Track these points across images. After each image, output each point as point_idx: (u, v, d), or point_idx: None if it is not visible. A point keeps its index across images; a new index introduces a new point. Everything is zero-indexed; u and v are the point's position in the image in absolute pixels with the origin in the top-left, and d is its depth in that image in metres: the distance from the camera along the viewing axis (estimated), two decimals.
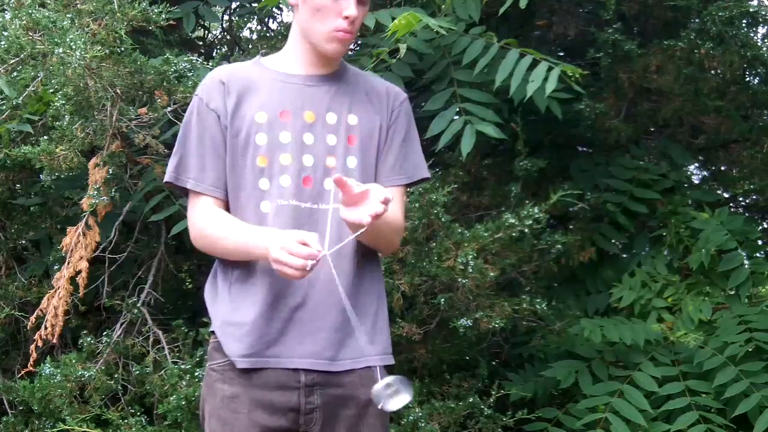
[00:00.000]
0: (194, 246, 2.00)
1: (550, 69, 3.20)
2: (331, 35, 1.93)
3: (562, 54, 4.56)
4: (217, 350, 1.94)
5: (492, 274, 3.24)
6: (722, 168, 4.78)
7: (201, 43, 4.30)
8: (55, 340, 3.12)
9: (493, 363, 3.88)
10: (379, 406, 1.76)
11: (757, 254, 3.96)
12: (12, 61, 3.16)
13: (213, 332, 1.96)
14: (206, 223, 1.95)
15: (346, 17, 1.91)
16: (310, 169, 1.92)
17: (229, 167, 1.94)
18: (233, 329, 1.91)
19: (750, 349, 3.40)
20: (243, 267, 1.93)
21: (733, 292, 3.87)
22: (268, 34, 4.16)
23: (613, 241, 4.15)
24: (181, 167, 1.96)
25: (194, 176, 1.95)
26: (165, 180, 2.00)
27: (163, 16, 3.04)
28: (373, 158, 2.00)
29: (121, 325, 3.34)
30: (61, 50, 2.87)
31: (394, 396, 1.76)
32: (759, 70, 4.46)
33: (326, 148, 1.94)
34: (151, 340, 3.30)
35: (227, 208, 1.96)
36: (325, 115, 1.97)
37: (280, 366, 1.89)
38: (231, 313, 1.92)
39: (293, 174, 1.91)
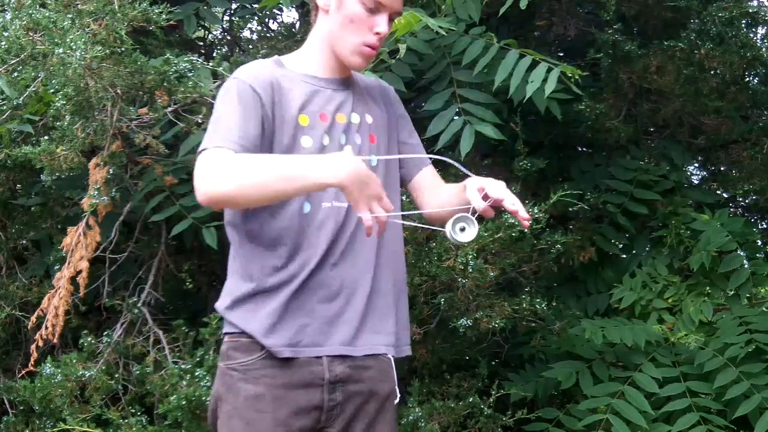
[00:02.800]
0: (208, 201, 1.76)
1: (549, 70, 3.20)
2: (358, 48, 1.95)
3: (561, 54, 4.56)
4: (236, 350, 1.92)
5: (492, 274, 3.24)
6: (722, 168, 4.79)
7: (201, 43, 4.30)
8: (55, 340, 3.12)
9: (493, 363, 3.88)
10: (450, 237, 1.87)
11: (758, 255, 3.96)
12: (12, 62, 3.16)
13: (228, 333, 1.95)
14: (231, 159, 1.76)
15: (377, 33, 1.93)
16: None
17: None
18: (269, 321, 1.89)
19: (750, 350, 3.40)
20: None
21: (732, 293, 3.87)
22: (268, 35, 4.16)
23: (613, 241, 4.15)
24: (216, 135, 1.83)
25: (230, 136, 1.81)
26: (200, 149, 1.83)
27: (164, 16, 3.05)
28: (389, 152, 2.06)
29: (122, 325, 3.34)
30: (61, 50, 2.87)
31: (463, 231, 1.89)
32: (759, 71, 4.46)
33: (356, 149, 1.97)
34: (151, 340, 3.30)
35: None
36: (350, 117, 1.99)
37: (313, 355, 1.89)
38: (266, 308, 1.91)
39: None
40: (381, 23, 1.93)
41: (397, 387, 1.98)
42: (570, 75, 3.23)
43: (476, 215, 1.90)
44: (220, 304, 1.97)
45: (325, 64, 2.01)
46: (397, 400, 1.94)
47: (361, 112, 2.02)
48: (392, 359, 1.96)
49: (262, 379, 1.88)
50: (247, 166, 1.75)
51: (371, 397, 1.94)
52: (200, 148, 1.82)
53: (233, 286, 1.95)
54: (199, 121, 3.11)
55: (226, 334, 1.96)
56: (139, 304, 3.35)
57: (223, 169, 1.75)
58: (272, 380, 1.88)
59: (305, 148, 1.91)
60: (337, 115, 1.97)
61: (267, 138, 1.88)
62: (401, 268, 2.08)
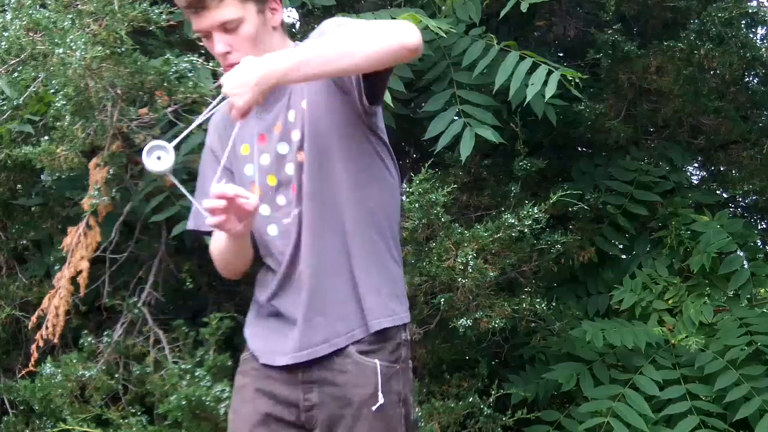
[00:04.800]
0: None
1: (549, 73, 3.20)
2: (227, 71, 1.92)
3: (561, 55, 4.56)
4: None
5: (492, 274, 3.24)
6: (722, 169, 4.78)
7: (201, 43, 4.29)
8: (56, 340, 3.13)
9: (493, 363, 3.88)
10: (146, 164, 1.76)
11: (758, 256, 3.96)
12: (13, 62, 3.16)
13: None
14: (212, 246, 2.04)
15: (217, 54, 1.91)
16: (294, 177, 1.91)
17: None
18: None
19: (750, 352, 3.40)
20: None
21: (732, 294, 3.87)
22: None
23: (613, 242, 4.15)
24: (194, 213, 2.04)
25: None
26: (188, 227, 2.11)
27: (164, 16, 3.05)
28: (324, 119, 1.90)
29: (122, 324, 3.34)
30: (61, 51, 2.88)
31: (156, 159, 1.76)
32: (759, 71, 4.46)
33: (296, 146, 1.91)
34: (151, 340, 3.30)
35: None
36: (287, 116, 1.93)
37: (274, 364, 1.94)
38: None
39: (284, 191, 1.92)
40: (215, 45, 1.90)
41: (380, 392, 1.87)
42: (570, 78, 3.24)
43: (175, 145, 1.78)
44: None
45: None
46: (375, 406, 1.86)
47: (297, 103, 1.92)
48: (378, 364, 1.89)
49: (251, 372, 1.99)
50: (217, 250, 2.05)
51: (347, 404, 1.89)
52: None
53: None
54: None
55: None
56: (139, 304, 3.35)
57: (215, 258, 2.08)
58: (258, 372, 1.97)
59: (249, 176, 1.96)
60: (275, 125, 1.94)
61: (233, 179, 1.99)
62: (350, 241, 1.91)
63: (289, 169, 1.92)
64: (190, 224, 2.08)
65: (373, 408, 1.87)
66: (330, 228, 1.90)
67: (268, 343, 1.97)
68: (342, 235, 1.90)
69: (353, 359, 1.89)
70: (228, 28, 1.87)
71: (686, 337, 3.68)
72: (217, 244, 2.01)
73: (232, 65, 1.84)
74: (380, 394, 1.88)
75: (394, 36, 1.77)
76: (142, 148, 1.80)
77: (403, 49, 1.77)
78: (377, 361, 1.89)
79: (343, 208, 1.90)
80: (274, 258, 1.95)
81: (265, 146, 1.95)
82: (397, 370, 1.92)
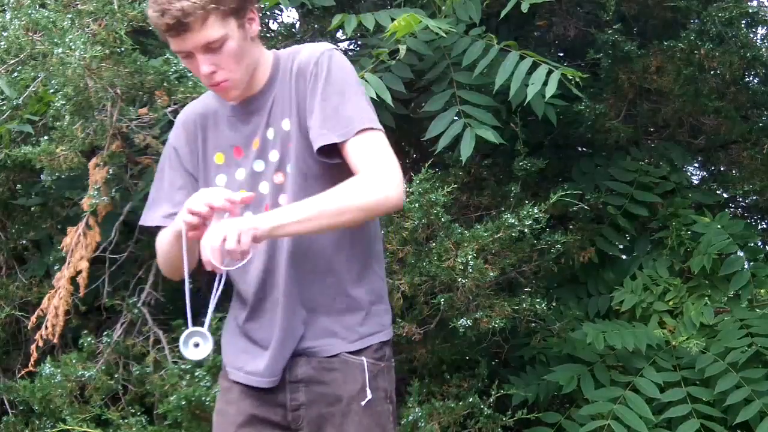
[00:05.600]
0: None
1: (549, 72, 3.20)
2: (211, 90, 1.92)
3: (561, 54, 4.56)
4: None
5: (492, 274, 3.24)
6: (722, 169, 4.78)
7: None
8: (55, 340, 3.13)
9: (493, 363, 3.88)
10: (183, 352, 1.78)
11: (758, 257, 3.96)
12: (12, 62, 3.16)
13: None
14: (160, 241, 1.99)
15: (203, 75, 1.85)
16: (267, 197, 1.90)
17: None
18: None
19: (751, 354, 3.40)
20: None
21: (732, 295, 3.86)
22: (268, 35, 4.15)
23: (614, 243, 4.15)
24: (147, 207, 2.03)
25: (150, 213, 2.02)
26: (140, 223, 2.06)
27: None
28: (303, 144, 1.88)
29: (122, 325, 3.34)
30: (60, 50, 2.88)
31: (195, 347, 1.77)
32: (759, 71, 4.45)
33: (273, 167, 1.91)
34: (151, 340, 3.30)
35: None
36: (266, 133, 1.92)
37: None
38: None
39: (255, 209, 1.90)
40: (199, 65, 1.83)
41: (368, 387, 1.90)
42: (570, 77, 3.23)
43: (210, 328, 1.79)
44: None
45: None
46: (365, 401, 1.89)
47: (277, 121, 1.91)
48: (365, 362, 1.92)
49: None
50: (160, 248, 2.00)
51: (336, 400, 1.91)
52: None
53: None
54: None
55: None
56: (139, 304, 3.34)
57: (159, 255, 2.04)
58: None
59: (218, 186, 1.94)
60: (254, 141, 1.93)
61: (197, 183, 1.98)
62: (334, 259, 1.92)
63: (264, 188, 1.91)
64: (144, 219, 2.03)
65: (363, 403, 1.90)
66: (312, 250, 1.90)
67: (247, 363, 1.97)
68: (324, 257, 1.91)
69: (340, 358, 1.92)
70: (212, 47, 1.81)
71: (687, 339, 3.68)
72: (168, 240, 1.94)
73: (218, 84, 1.85)
74: (368, 390, 1.90)
75: (378, 201, 1.79)
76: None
77: (386, 210, 1.84)
78: (364, 359, 1.92)
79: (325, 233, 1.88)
80: (245, 280, 1.95)
81: (240, 160, 1.94)
82: (383, 368, 1.95)
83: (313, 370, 1.92)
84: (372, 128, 1.82)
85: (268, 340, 1.92)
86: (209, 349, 1.77)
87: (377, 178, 1.79)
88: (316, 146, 1.82)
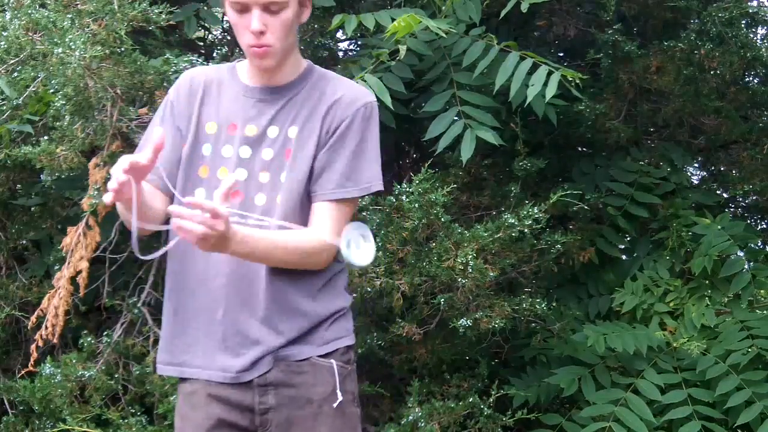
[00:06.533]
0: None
1: (550, 73, 3.20)
2: (248, 51, 1.93)
3: (561, 55, 4.56)
4: None
5: (492, 274, 3.24)
6: (722, 169, 4.78)
7: (201, 43, 4.30)
8: (55, 340, 3.13)
9: (493, 363, 3.88)
10: (351, 262, 1.74)
11: (758, 259, 3.96)
12: (12, 62, 3.16)
13: None
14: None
15: (253, 31, 1.88)
16: (241, 184, 1.92)
17: (183, 164, 1.97)
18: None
19: (752, 356, 3.40)
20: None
21: (733, 296, 3.86)
22: None
23: (614, 244, 4.14)
24: None
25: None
26: None
27: (164, 16, 3.05)
28: (303, 172, 1.94)
29: (122, 325, 3.34)
30: (60, 50, 2.88)
31: (358, 249, 1.73)
32: (759, 71, 4.46)
33: (262, 164, 1.94)
34: (151, 339, 3.30)
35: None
36: (267, 129, 1.96)
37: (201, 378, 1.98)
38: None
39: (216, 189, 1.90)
40: (252, 20, 1.87)
41: (338, 389, 1.93)
42: (570, 78, 3.23)
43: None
44: None
45: (253, 72, 2.01)
46: (336, 404, 1.92)
47: (284, 124, 1.95)
48: (334, 364, 1.94)
49: (198, 379, 1.98)
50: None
51: (307, 403, 1.92)
52: None
53: None
54: None
55: None
56: (139, 304, 3.34)
57: None
58: (208, 379, 1.97)
59: (204, 156, 1.96)
60: (247, 126, 1.95)
61: (185, 146, 1.98)
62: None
63: (241, 174, 1.93)
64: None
65: (334, 405, 1.92)
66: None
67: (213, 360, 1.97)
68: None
69: (309, 361, 1.94)
70: (271, 9, 1.88)
71: (688, 340, 3.67)
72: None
73: (260, 46, 1.89)
74: (339, 392, 1.93)
75: (315, 264, 1.94)
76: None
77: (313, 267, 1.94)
78: (333, 362, 1.94)
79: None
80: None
81: (231, 137, 1.96)
82: (350, 371, 1.98)
83: (282, 373, 1.93)
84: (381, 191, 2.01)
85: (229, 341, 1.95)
86: (372, 248, 1.70)
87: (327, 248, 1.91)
88: (332, 196, 1.93)
